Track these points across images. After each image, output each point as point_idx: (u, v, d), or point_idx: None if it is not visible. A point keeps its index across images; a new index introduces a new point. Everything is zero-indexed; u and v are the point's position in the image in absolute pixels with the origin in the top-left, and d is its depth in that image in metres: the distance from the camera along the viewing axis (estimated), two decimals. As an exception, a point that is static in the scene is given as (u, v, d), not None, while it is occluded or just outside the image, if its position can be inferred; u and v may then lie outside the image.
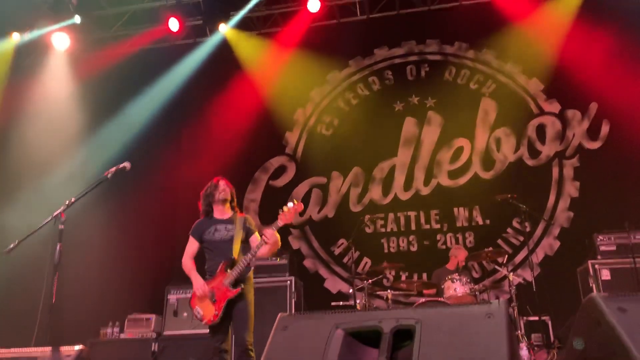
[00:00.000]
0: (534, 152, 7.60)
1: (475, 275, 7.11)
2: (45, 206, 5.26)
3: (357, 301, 6.13)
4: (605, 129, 7.39)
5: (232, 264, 4.14)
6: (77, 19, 7.90)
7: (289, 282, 6.45)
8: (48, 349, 3.40)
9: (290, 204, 4.08)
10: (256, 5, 8.10)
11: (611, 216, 6.52)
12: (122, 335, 6.54)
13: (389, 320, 1.95)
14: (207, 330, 4.24)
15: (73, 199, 4.15)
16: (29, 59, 8.43)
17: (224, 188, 4.40)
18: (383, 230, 7.74)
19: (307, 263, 7.81)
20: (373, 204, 7.87)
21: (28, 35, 7.99)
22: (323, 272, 7.76)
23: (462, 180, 7.72)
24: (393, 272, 7.34)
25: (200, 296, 4.16)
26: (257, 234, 4.32)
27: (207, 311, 4.11)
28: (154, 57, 8.50)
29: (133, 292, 7.33)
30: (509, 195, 6.13)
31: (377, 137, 8.06)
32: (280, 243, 4.19)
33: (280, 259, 6.65)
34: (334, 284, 7.67)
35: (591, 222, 6.67)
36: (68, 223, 4.07)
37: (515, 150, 7.66)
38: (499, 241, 7.33)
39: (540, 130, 7.66)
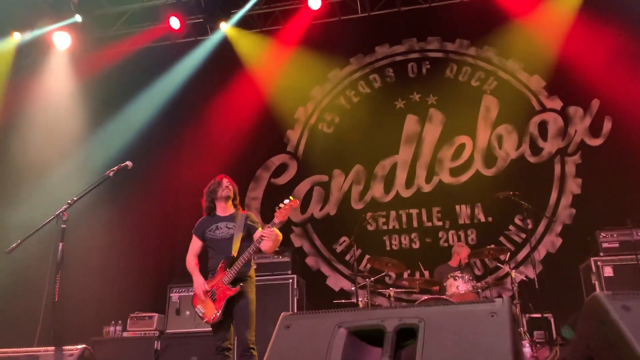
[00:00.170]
0: (535, 149, 7.59)
1: (478, 272, 7.11)
2: (46, 205, 5.27)
3: (359, 299, 6.13)
4: (607, 125, 7.37)
5: (231, 262, 4.14)
6: (78, 18, 7.91)
7: (291, 280, 6.47)
8: (51, 348, 3.39)
9: (286, 201, 4.09)
10: (257, 3, 8.09)
11: (613, 213, 6.50)
12: (125, 334, 6.57)
13: (392, 319, 1.95)
14: (210, 329, 4.26)
15: (75, 198, 4.15)
16: (30, 58, 8.43)
17: (227, 185, 4.41)
18: (385, 227, 7.74)
19: (309, 261, 7.82)
20: (375, 202, 7.87)
21: (29, 35, 7.99)
22: (325, 269, 7.76)
23: (464, 177, 7.71)
24: (395, 270, 7.33)
25: (200, 295, 4.18)
26: (260, 229, 4.32)
27: (208, 310, 4.13)
28: (154, 55, 8.49)
29: (135, 291, 7.35)
30: (511, 193, 6.13)
31: (379, 134, 8.06)
32: (280, 239, 4.19)
33: (282, 257, 6.67)
34: (336, 282, 7.67)
35: (593, 219, 6.66)
36: (70, 222, 4.07)
37: (517, 147, 7.64)
38: (501, 238, 7.32)
39: (542, 127, 7.65)
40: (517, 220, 7.29)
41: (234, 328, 4.16)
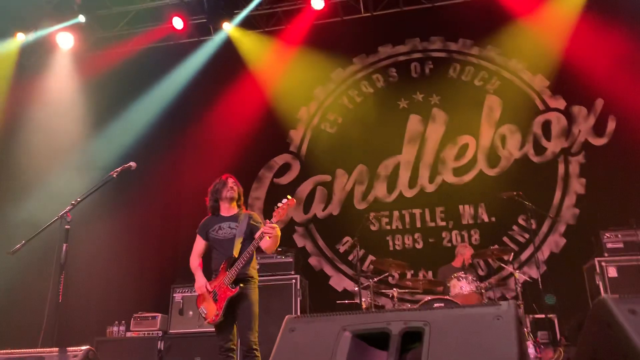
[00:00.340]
0: (539, 149, 7.57)
1: (481, 273, 7.09)
2: (49, 205, 5.28)
3: (363, 299, 6.12)
4: (611, 125, 7.34)
5: (232, 262, 4.14)
6: (81, 18, 7.92)
7: (294, 280, 6.46)
8: (55, 349, 3.40)
9: (284, 200, 4.09)
10: (260, 3, 8.10)
11: (618, 213, 6.48)
12: (128, 334, 6.58)
13: (398, 322, 1.94)
14: (213, 329, 4.26)
15: (79, 199, 4.15)
16: (33, 58, 8.44)
17: (232, 186, 4.40)
18: (388, 227, 7.73)
19: (312, 261, 7.82)
20: (378, 202, 7.86)
21: (32, 35, 8.00)
22: (328, 270, 7.76)
23: (467, 177, 7.69)
24: (398, 270, 7.32)
25: (201, 296, 4.19)
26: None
27: (210, 310, 4.13)
28: (158, 55, 8.50)
29: (139, 291, 7.36)
30: (515, 193, 6.11)
31: (382, 134, 8.04)
32: (279, 237, 4.17)
33: (285, 257, 6.67)
34: (339, 282, 7.67)
35: (597, 219, 6.64)
36: (74, 223, 4.07)
37: (520, 147, 7.63)
38: (505, 239, 7.31)
39: (546, 126, 7.63)
40: (520, 221, 7.27)
41: (237, 329, 4.16)
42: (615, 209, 6.68)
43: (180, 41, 8.65)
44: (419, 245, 7.57)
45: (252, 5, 8.07)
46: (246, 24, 8.39)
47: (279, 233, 4.15)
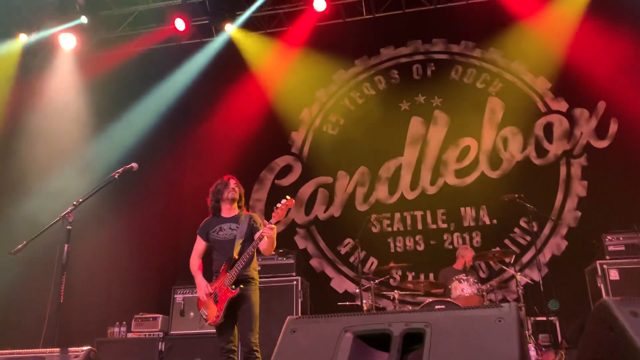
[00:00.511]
0: (541, 151, 7.56)
1: (483, 275, 7.09)
2: (51, 206, 5.29)
3: (364, 301, 6.12)
4: (613, 127, 7.34)
5: (232, 263, 4.14)
6: (83, 19, 7.92)
7: (295, 282, 6.46)
8: (56, 350, 3.40)
9: (282, 201, 4.09)
10: (262, 4, 8.10)
11: (619, 216, 6.48)
12: (129, 335, 6.58)
13: (399, 324, 1.94)
14: (214, 330, 4.26)
15: (81, 199, 4.15)
16: (36, 59, 8.46)
17: (233, 187, 4.40)
18: (389, 229, 7.73)
19: (314, 263, 7.81)
20: (379, 204, 7.86)
21: (35, 36, 8.01)
22: (329, 271, 7.76)
23: (469, 179, 7.69)
24: (400, 272, 7.32)
25: (202, 299, 4.18)
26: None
27: (211, 312, 4.13)
28: (160, 57, 8.51)
29: (140, 292, 7.36)
30: (516, 195, 6.10)
31: (383, 136, 8.04)
32: (275, 239, 4.16)
33: (287, 259, 6.66)
34: (340, 284, 7.66)
35: (599, 222, 6.63)
36: (75, 223, 4.08)
37: (522, 149, 7.62)
38: (506, 241, 7.30)
39: (548, 129, 7.62)
40: (522, 223, 7.26)
41: (238, 330, 4.15)
42: (617, 212, 6.67)
43: (183, 42, 8.66)
44: (420, 247, 7.57)
45: (254, 7, 8.08)
46: (248, 26, 8.39)
47: (275, 237, 4.15)
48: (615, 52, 7.13)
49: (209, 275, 4.32)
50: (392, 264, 6.34)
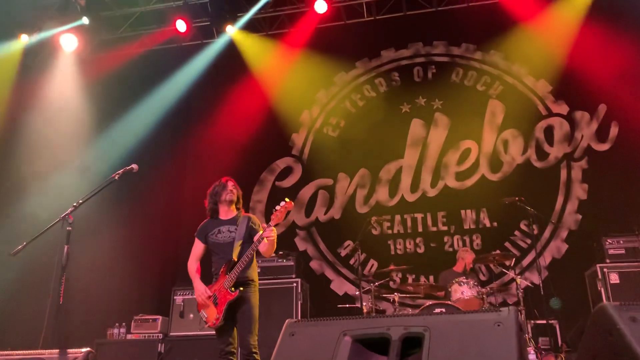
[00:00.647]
0: (541, 154, 7.56)
1: (483, 278, 7.08)
2: (51, 207, 5.29)
3: (364, 304, 6.11)
4: (614, 130, 7.33)
5: (232, 266, 4.13)
6: (84, 20, 7.93)
7: (295, 284, 6.45)
8: (55, 351, 3.40)
9: (281, 203, 4.08)
10: (263, 6, 8.10)
11: (620, 219, 6.48)
12: (129, 336, 6.58)
13: (398, 328, 1.94)
14: (213, 332, 4.25)
15: (81, 201, 4.15)
16: (36, 60, 8.46)
17: (231, 189, 4.39)
18: (390, 232, 7.72)
19: (314, 265, 7.81)
20: (379, 206, 7.85)
21: (36, 37, 8.01)
22: (329, 273, 7.75)
23: (470, 182, 7.68)
24: (400, 274, 7.31)
25: (201, 302, 4.18)
26: (261, 232, 4.30)
27: (210, 314, 4.13)
28: (161, 58, 8.51)
29: (140, 294, 7.36)
30: (517, 198, 6.10)
31: (384, 138, 8.05)
32: (276, 241, 4.16)
33: (287, 261, 6.66)
34: (340, 286, 7.65)
35: (599, 225, 6.62)
36: (75, 224, 4.08)
37: (523, 152, 7.62)
38: (507, 244, 7.29)
39: (548, 131, 7.62)
40: (522, 226, 7.26)
41: (237, 332, 4.15)
42: (617, 215, 6.67)
43: (184, 44, 8.67)
44: (421, 250, 7.56)
45: (255, 8, 8.08)
46: (249, 27, 8.40)
47: (275, 239, 4.15)
48: (616, 55, 7.13)
49: (208, 277, 4.31)
50: (392, 267, 6.33)
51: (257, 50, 8.43)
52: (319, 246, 7.91)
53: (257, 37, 8.54)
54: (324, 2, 7.78)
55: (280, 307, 6.18)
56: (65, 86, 8.36)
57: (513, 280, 5.98)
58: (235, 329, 4.15)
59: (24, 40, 8.09)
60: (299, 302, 6.34)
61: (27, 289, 6.73)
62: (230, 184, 4.42)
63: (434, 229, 7.60)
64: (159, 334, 6.48)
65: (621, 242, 6.05)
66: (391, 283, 7.09)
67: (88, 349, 3.35)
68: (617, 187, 6.98)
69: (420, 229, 7.64)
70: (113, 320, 6.74)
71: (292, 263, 6.65)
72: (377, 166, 8.00)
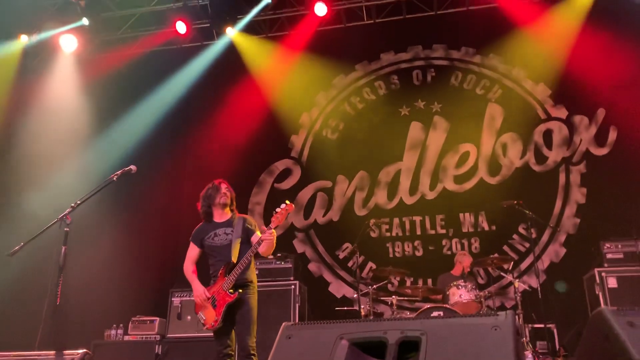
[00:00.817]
0: (540, 158, 7.56)
1: (481, 281, 7.08)
2: (50, 208, 5.28)
3: (362, 306, 6.10)
4: (612, 135, 7.34)
5: (231, 268, 4.13)
6: (84, 21, 7.93)
7: (293, 286, 6.44)
8: (51, 352, 3.39)
9: (282, 205, 4.07)
10: (263, 8, 8.11)
11: (618, 223, 6.47)
12: (126, 338, 6.56)
13: (395, 331, 1.93)
14: (211, 334, 4.24)
15: (79, 201, 4.14)
16: (36, 60, 8.47)
17: (225, 192, 4.36)
18: (388, 234, 7.72)
19: (312, 267, 7.80)
20: (378, 208, 7.85)
21: (36, 37, 8.02)
22: (327, 276, 7.74)
23: (468, 185, 7.69)
24: (398, 277, 7.31)
25: (199, 303, 4.17)
26: (258, 232, 4.30)
27: (209, 316, 4.12)
28: (161, 59, 8.51)
29: (137, 295, 7.34)
30: (515, 202, 6.11)
31: (383, 141, 8.05)
32: (275, 243, 4.15)
33: (285, 263, 6.65)
34: (338, 289, 7.65)
35: (598, 229, 6.63)
36: (73, 225, 4.07)
37: (521, 155, 7.62)
38: (505, 247, 7.29)
39: (547, 135, 7.63)
40: (521, 229, 7.26)
41: (235, 334, 4.14)
42: (615, 219, 6.66)
43: (183, 45, 8.68)
44: (419, 253, 7.56)
45: (255, 11, 8.09)
46: (249, 29, 8.41)
47: (274, 240, 4.14)
48: (615, 60, 7.14)
49: (205, 279, 4.30)
50: (390, 269, 6.32)
51: (256, 52, 8.43)
52: (318, 248, 7.90)
53: (257, 39, 8.54)
54: (324, 5, 7.80)
55: (278, 310, 6.16)
56: (64, 87, 8.36)
57: (511, 283, 5.99)
58: (233, 331, 4.14)
59: (23, 40, 8.09)
60: (297, 305, 6.32)
61: (25, 289, 6.71)
62: (224, 187, 4.39)
63: (433, 232, 7.60)
64: (156, 336, 6.47)
65: (619, 246, 6.04)
66: (389, 286, 7.08)
67: (85, 350, 3.34)
68: (615, 192, 6.98)
69: (418, 232, 7.63)
70: (110, 321, 6.73)
71: (290, 265, 6.65)
72: (376, 169, 8.01)
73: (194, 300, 4.24)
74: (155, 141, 8.07)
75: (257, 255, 4.26)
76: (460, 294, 5.76)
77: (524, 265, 7.15)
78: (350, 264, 7.65)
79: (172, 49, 8.67)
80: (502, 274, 6.47)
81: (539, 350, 5.69)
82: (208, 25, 8.27)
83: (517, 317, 5.53)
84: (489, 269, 7.00)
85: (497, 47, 7.93)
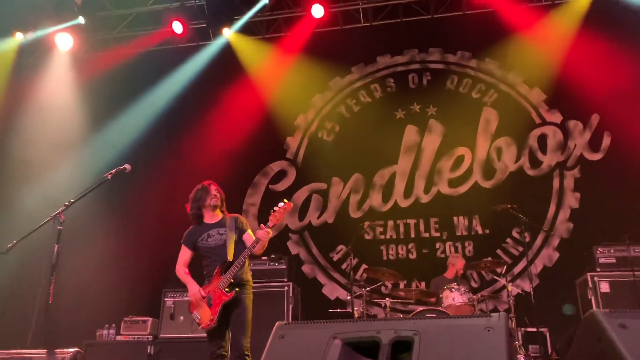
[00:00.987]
0: (535, 162, 7.59)
1: (474, 284, 7.09)
2: (44, 206, 5.26)
3: (355, 308, 6.10)
4: (606, 140, 7.38)
5: (227, 267, 4.12)
6: (80, 19, 7.91)
7: (286, 287, 6.43)
8: (43, 350, 3.37)
9: (280, 204, 4.07)
10: (260, 9, 8.11)
11: (611, 228, 6.50)
12: (118, 338, 6.54)
13: (388, 331, 1.94)
14: (204, 334, 4.22)
15: (72, 200, 4.13)
16: (31, 58, 8.44)
17: (215, 193, 4.34)
18: (382, 237, 7.72)
19: (306, 269, 7.79)
20: (373, 211, 7.86)
21: (31, 35, 8.00)
22: (321, 278, 7.74)
23: (463, 188, 7.71)
24: (391, 281, 7.30)
25: (194, 302, 4.15)
26: (250, 232, 4.29)
27: (204, 316, 4.10)
28: (157, 59, 8.50)
29: (130, 295, 7.30)
30: (509, 206, 6.11)
31: (378, 144, 8.05)
32: (267, 241, 4.13)
33: (278, 264, 6.63)
34: (332, 291, 7.64)
35: (591, 234, 6.66)
36: (66, 224, 4.05)
37: (516, 159, 7.65)
38: (498, 251, 7.31)
39: (542, 140, 7.66)
40: (514, 233, 7.28)
41: (230, 334, 4.13)
42: (608, 224, 6.70)
43: (180, 45, 8.67)
44: (413, 256, 7.56)
45: (252, 12, 8.10)
46: (246, 30, 8.41)
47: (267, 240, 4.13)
48: (610, 65, 7.18)
49: (199, 279, 4.29)
50: (383, 269, 6.33)
51: (253, 53, 8.44)
52: (312, 250, 7.90)
53: (254, 40, 8.55)
54: (321, 6, 7.81)
55: (271, 311, 6.14)
56: (59, 85, 8.34)
57: (504, 287, 6.00)
58: (227, 331, 4.13)
59: (18, 38, 8.07)
60: (290, 306, 6.32)
61: (16, 288, 6.68)
62: (214, 188, 4.36)
63: (427, 235, 7.61)
64: (149, 336, 6.45)
65: (612, 251, 6.07)
66: (383, 288, 7.08)
67: (76, 349, 3.32)
68: (609, 197, 7.02)
69: (412, 235, 7.64)
70: (102, 321, 6.70)
71: (284, 267, 6.64)
72: (371, 171, 8.01)
73: (189, 300, 4.21)
74: (150, 141, 8.06)
75: (249, 255, 4.25)
76: (454, 296, 5.77)
77: (517, 269, 7.17)
78: (344, 266, 7.64)
79: (169, 48, 8.67)
80: (495, 277, 6.49)
81: (532, 354, 5.70)
82: (205, 25, 8.27)
83: (510, 320, 5.55)
84: (483, 272, 7.02)
85: (493, 51, 7.96)
